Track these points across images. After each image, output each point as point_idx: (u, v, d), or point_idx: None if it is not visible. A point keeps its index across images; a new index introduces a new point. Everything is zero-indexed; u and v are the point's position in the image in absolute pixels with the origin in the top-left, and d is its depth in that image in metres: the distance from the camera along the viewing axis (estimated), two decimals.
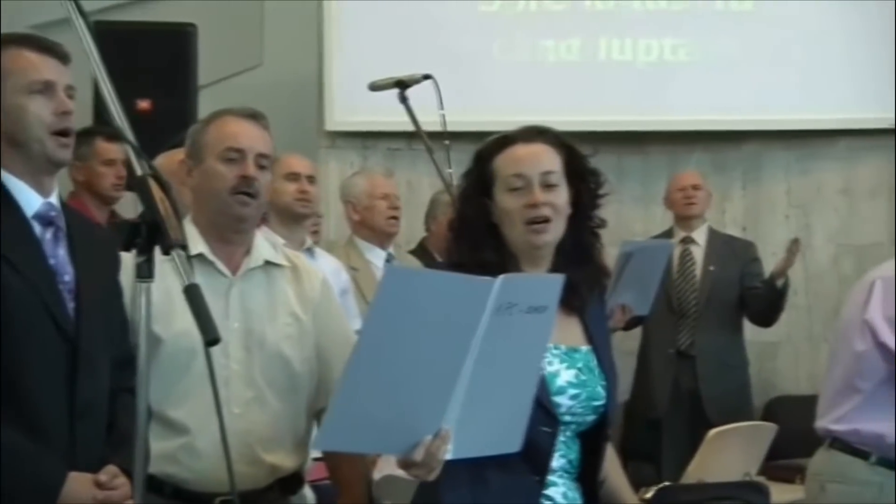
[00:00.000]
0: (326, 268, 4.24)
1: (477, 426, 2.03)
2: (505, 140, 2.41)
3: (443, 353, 1.95)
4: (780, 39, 6.37)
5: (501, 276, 1.95)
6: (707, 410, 5.43)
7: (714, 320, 5.61)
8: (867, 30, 6.29)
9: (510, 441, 2.08)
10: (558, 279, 2.09)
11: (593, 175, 2.42)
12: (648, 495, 3.68)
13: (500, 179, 2.36)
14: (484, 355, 1.97)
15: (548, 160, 2.36)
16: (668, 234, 5.87)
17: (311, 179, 4.33)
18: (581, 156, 2.42)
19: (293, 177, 4.28)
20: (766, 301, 5.50)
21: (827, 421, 3.14)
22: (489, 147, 2.43)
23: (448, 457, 2.02)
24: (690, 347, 5.62)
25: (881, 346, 3.06)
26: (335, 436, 1.94)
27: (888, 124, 6.27)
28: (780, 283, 5.41)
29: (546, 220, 2.32)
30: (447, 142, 4.00)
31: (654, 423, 5.66)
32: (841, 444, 3.09)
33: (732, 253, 5.73)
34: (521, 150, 2.37)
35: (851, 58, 6.28)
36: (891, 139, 6.21)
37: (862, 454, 3.05)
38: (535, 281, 2.15)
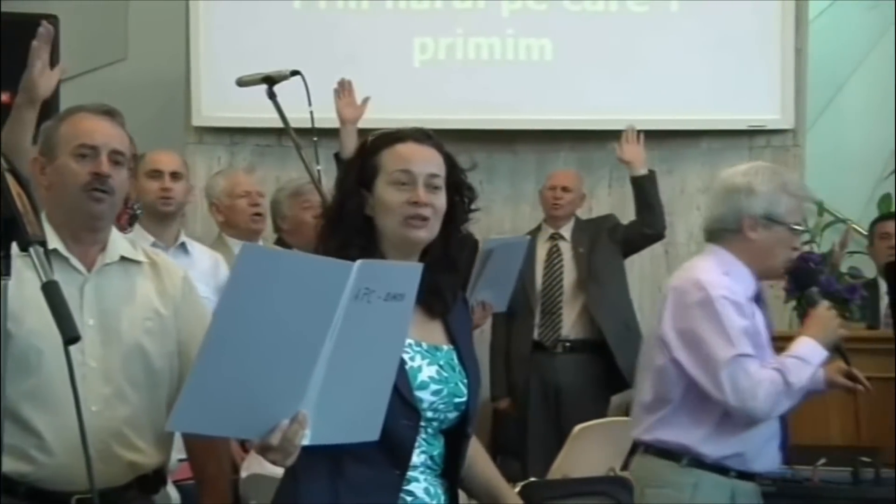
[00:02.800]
0: (203, 263, 4.21)
1: (335, 412, 2.02)
2: (395, 136, 2.41)
3: (300, 335, 1.93)
4: (644, 41, 6.49)
5: (359, 261, 1.95)
6: (570, 405, 5.49)
7: (585, 316, 5.67)
8: (729, 33, 6.45)
9: (369, 429, 2.07)
10: (417, 267, 2.09)
11: (469, 189, 2.44)
12: (515, 491, 3.72)
13: (385, 173, 2.35)
14: (342, 341, 1.96)
15: (435, 164, 2.38)
16: (536, 230, 5.92)
17: (175, 176, 4.28)
18: (458, 166, 2.44)
19: (156, 174, 4.23)
20: (637, 200, 5.57)
21: (638, 431, 3.18)
22: (376, 141, 2.42)
23: (305, 442, 2.01)
24: (557, 344, 5.68)
25: (675, 362, 3.06)
26: (188, 416, 1.91)
27: (745, 125, 6.45)
28: (637, 170, 5.49)
29: (424, 219, 2.32)
30: (315, 138, 3.98)
31: (520, 419, 5.70)
32: (654, 449, 3.13)
33: (595, 228, 5.83)
34: (411, 148, 2.38)
35: (713, 60, 6.42)
36: (747, 140, 6.39)
37: (674, 457, 3.08)
38: (394, 268, 2.15)
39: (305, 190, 5.04)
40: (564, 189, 5.86)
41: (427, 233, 2.34)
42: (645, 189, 5.50)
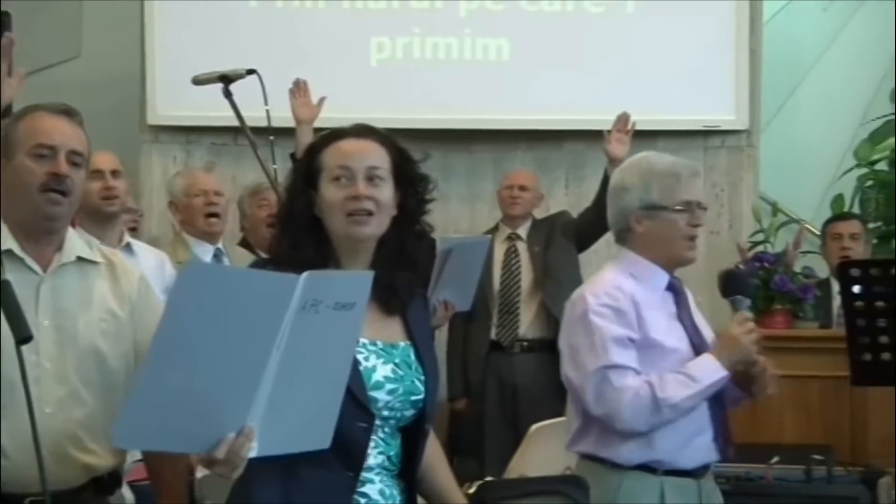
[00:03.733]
0: (149, 262, 4.16)
1: (283, 424, 2.01)
2: (335, 134, 2.41)
3: (245, 350, 1.92)
4: (600, 41, 6.52)
5: (305, 273, 1.94)
6: (527, 405, 5.50)
7: (542, 315, 5.68)
8: (685, 34, 6.49)
9: (319, 438, 2.06)
10: (367, 276, 2.08)
11: (422, 180, 2.43)
12: (471, 491, 3.72)
13: (326, 171, 2.35)
14: (290, 352, 1.95)
15: (375, 156, 2.37)
16: (493, 230, 5.93)
17: (115, 174, 4.21)
18: (411, 160, 2.43)
19: (97, 174, 4.16)
20: (602, 195, 5.51)
21: (566, 442, 3.22)
22: (319, 141, 2.43)
23: (252, 454, 2.00)
24: (514, 343, 5.69)
25: (566, 376, 3.09)
26: (131, 433, 1.90)
27: (700, 126, 6.49)
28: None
29: (368, 214, 2.31)
30: (272, 137, 3.98)
31: (477, 419, 5.71)
32: (585, 454, 3.16)
33: (549, 225, 5.83)
34: (349, 144, 2.37)
35: (668, 61, 6.46)
36: (702, 140, 6.44)
37: (600, 460, 3.11)
38: (342, 278, 2.14)
39: (262, 188, 5.02)
40: (522, 188, 5.87)
41: (372, 228, 2.33)
42: None
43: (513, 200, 5.85)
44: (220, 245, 4.89)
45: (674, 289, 3.10)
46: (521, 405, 5.57)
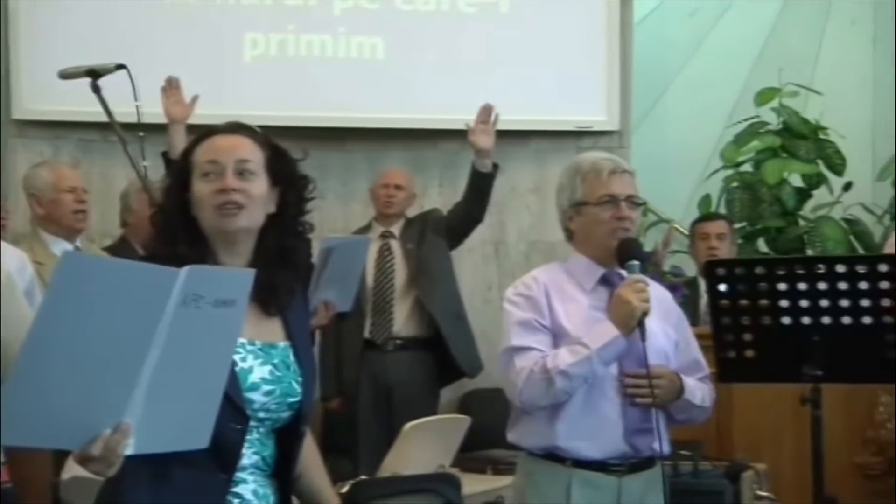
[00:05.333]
0: (11, 263, 4.05)
1: (161, 421, 1.98)
2: (207, 133, 2.40)
3: (124, 343, 1.89)
4: (475, 41, 6.56)
5: (187, 267, 1.91)
6: (401, 403, 5.51)
7: (416, 312, 5.70)
8: (557, 35, 6.56)
9: (197, 437, 2.04)
10: (249, 273, 2.06)
11: (301, 179, 2.41)
12: (344, 490, 3.71)
13: (197, 167, 2.34)
14: (169, 348, 1.92)
15: (246, 150, 2.35)
16: (367, 228, 5.93)
17: None
18: (289, 159, 2.41)
19: None
20: (472, 189, 5.57)
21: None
22: (192, 141, 2.41)
23: (129, 452, 1.97)
24: (388, 342, 5.69)
25: None
26: (6, 429, 1.86)
27: (573, 126, 6.58)
28: (486, 165, 5.45)
29: (238, 206, 2.29)
30: (142, 134, 3.91)
31: (350, 418, 5.70)
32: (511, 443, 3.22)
33: (421, 223, 5.85)
34: (219, 140, 2.36)
35: (541, 61, 6.53)
36: (574, 141, 6.52)
37: (521, 448, 3.17)
38: (224, 274, 2.11)
39: (153, 185, 4.94)
40: (396, 187, 5.87)
41: (242, 220, 2.31)
42: (488, 183, 5.54)
43: (387, 199, 5.85)
44: (78, 243, 4.80)
45: (607, 281, 3.15)
46: (395, 403, 5.57)
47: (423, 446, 4.17)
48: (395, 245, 5.82)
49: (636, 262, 3.09)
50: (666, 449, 3.11)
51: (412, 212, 6.00)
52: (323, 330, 5.69)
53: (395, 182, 5.89)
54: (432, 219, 5.84)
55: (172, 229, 2.33)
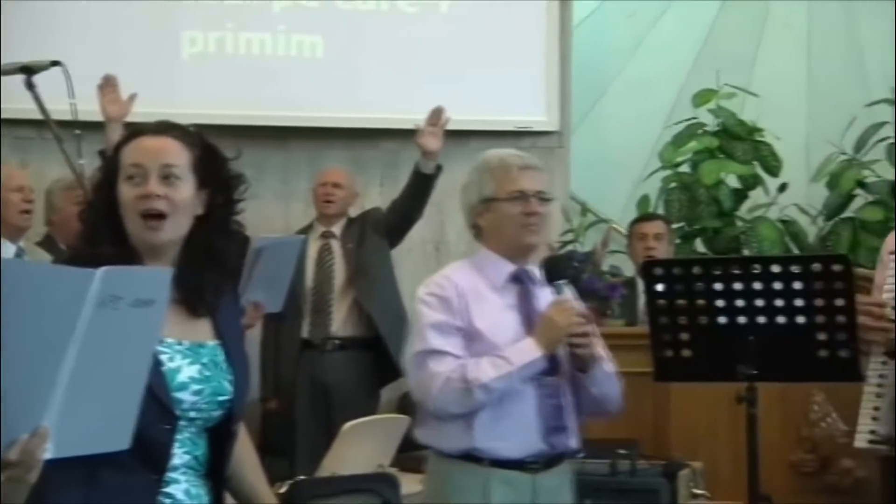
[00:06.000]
0: None
1: (81, 424, 1.95)
2: (135, 132, 2.36)
3: (40, 348, 1.86)
4: (415, 41, 6.56)
5: (103, 268, 1.89)
6: (340, 403, 5.50)
7: (355, 312, 5.69)
8: (497, 36, 6.58)
9: (118, 439, 2.01)
10: (166, 273, 2.04)
11: (231, 180, 2.38)
12: (282, 490, 3.70)
13: (122, 169, 2.31)
14: (87, 350, 1.90)
15: (172, 154, 2.31)
16: (308, 228, 5.91)
17: None
18: (219, 159, 2.38)
19: None
20: (413, 188, 5.56)
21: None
22: (121, 139, 2.38)
23: (48, 455, 1.94)
24: (326, 342, 5.68)
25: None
26: None
27: (512, 127, 6.60)
28: (430, 167, 5.45)
29: (160, 215, 2.26)
30: (78, 132, 3.87)
31: (288, 418, 5.68)
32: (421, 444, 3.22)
33: (362, 222, 5.85)
34: (145, 142, 2.32)
35: (481, 61, 6.54)
36: (514, 141, 6.54)
37: (430, 448, 3.16)
38: (142, 274, 2.09)
39: (74, 185, 4.89)
40: (335, 185, 5.86)
41: (166, 233, 2.28)
42: (430, 184, 5.54)
43: (327, 198, 5.84)
44: (21, 243, 4.75)
45: (519, 279, 3.16)
46: (334, 404, 5.56)
47: (361, 446, 4.17)
48: (336, 244, 5.80)
49: (564, 284, 3.12)
50: (576, 444, 3.16)
51: (354, 211, 5.99)
52: (263, 330, 5.68)
53: (333, 180, 5.87)
54: (372, 218, 5.83)
55: (98, 228, 2.31)
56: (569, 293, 3.14)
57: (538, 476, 3.10)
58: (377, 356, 5.64)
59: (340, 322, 5.69)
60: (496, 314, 3.10)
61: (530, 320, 3.13)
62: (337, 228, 5.85)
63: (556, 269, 3.14)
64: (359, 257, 5.72)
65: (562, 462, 3.16)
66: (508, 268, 3.15)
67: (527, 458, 3.09)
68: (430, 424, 3.13)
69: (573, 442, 3.15)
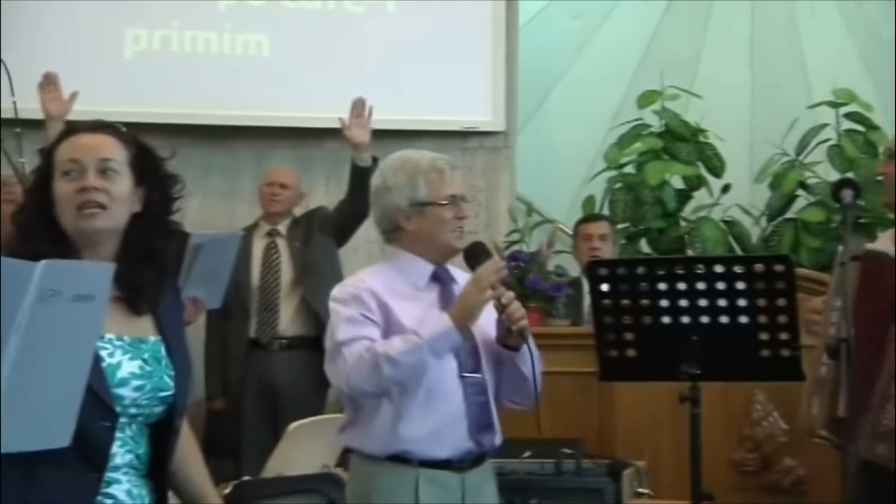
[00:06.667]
0: None
1: (21, 420, 1.93)
2: (69, 130, 2.37)
3: None
4: (361, 40, 6.55)
5: (43, 262, 1.87)
6: (288, 403, 5.48)
7: (302, 311, 5.67)
8: (443, 36, 6.59)
9: (58, 436, 1.99)
10: (108, 268, 2.03)
11: (168, 178, 2.39)
12: (227, 491, 3.68)
13: (58, 166, 2.31)
14: (27, 344, 1.88)
15: (108, 149, 2.32)
16: (254, 227, 5.89)
17: None
18: (155, 157, 2.39)
19: None
20: (353, 184, 5.50)
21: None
22: (56, 139, 2.38)
23: None
24: (273, 341, 5.66)
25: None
26: None
27: (459, 127, 6.61)
28: (365, 159, 5.38)
29: (100, 206, 2.27)
30: (18, 130, 3.84)
31: (235, 418, 5.65)
32: (346, 447, 3.20)
33: (308, 221, 5.84)
34: (82, 139, 2.33)
35: (428, 62, 6.55)
36: (461, 141, 6.55)
37: (356, 451, 3.14)
38: (82, 268, 2.07)
39: (10, 182, 4.83)
40: (282, 186, 5.85)
41: (104, 221, 2.28)
42: (368, 177, 5.51)
43: (273, 198, 5.83)
44: None
45: (441, 280, 3.15)
46: (282, 403, 5.54)
47: (307, 446, 4.16)
48: (282, 243, 5.79)
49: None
50: (500, 441, 3.15)
51: (300, 211, 5.98)
52: (209, 329, 5.65)
53: (280, 181, 5.86)
54: (319, 217, 5.82)
55: (34, 228, 2.29)
56: None
57: (466, 475, 3.10)
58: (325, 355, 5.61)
59: (288, 321, 5.68)
60: (421, 312, 3.08)
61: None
62: (283, 227, 5.84)
63: (479, 254, 3.13)
64: (305, 256, 5.70)
65: (485, 460, 3.16)
66: (429, 268, 3.14)
67: (455, 458, 3.09)
68: (355, 426, 3.10)
69: (498, 439, 3.15)
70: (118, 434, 2.25)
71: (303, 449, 4.13)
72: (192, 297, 4.78)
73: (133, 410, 2.27)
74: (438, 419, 3.05)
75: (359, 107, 5.37)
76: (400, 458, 3.05)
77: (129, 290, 2.28)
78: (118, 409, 2.24)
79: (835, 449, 3.32)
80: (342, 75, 6.44)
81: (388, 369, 2.95)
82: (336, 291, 3.13)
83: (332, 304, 3.11)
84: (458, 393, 3.08)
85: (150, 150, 2.39)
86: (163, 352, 2.35)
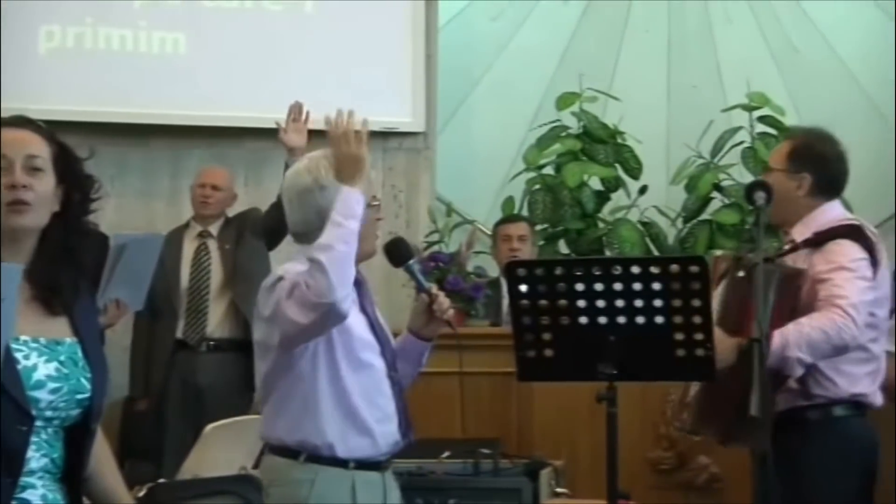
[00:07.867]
0: None
1: None
2: None
3: None
4: (280, 40, 6.52)
5: None
6: (212, 405, 5.44)
7: (231, 314, 5.63)
8: (363, 36, 6.59)
9: None
10: (16, 268, 2.00)
11: (87, 179, 2.36)
12: (141, 494, 3.64)
13: None
14: None
15: (34, 146, 2.28)
16: (184, 227, 5.85)
17: None
18: (74, 157, 2.36)
19: None
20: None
21: (261, 432, 3.21)
22: None
23: None
24: (201, 343, 5.61)
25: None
26: None
27: (379, 127, 6.59)
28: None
29: (26, 204, 2.23)
30: None
31: (157, 419, 5.60)
32: (276, 448, 3.14)
33: (239, 223, 5.83)
34: (7, 134, 2.28)
35: (347, 61, 6.54)
36: (381, 142, 6.55)
37: (292, 454, 3.10)
38: None
39: None
40: (213, 187, 5.84)
41: (30, 219, 2.25)
42: None
43: (204, 199, 5.81)
44: None
45: (357, 282, 3.13)
46: (206, 405, 5.50)
47: (224, 448, 4.12)
48: (213, 245, 5.77)
49: (412, 262, 3.20)
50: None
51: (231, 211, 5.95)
52: (135, 330, 5.60)
53: (212, 182, 5.85)
54: (250, 219, 5.80)
55: None
56: (418, 271, 3.20)
57: (385, 474, 3.13)
58: (252, 358, 5.58)
59: (216, 323, 5.66)
60: (351, 316, 3.06)
61: (375, 320, 3.16)
62: (214, 228, 5.81)
63: (402, 251, 3.18)
64: (236, 258, 5.68)
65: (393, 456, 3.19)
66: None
67: (381, 456, 3.10)
68: (294, 418, 3.06)
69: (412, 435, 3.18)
70: (33, 438, 2.21)
71: (220, 450, 4.09)
72: (115, 299, 4.72)
73: (49, 413, 2.24)
74: (376, 416, 3.07)
75: (296, 111, 5.34)
76: (339, 462, 3.04)
77: (45, 289, 2.25)
78: (34, 412, 2.20)
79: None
80: (260, 74, 6.41)
81: (323, 255, 2.89)
82: (268, 281, 3.06)
83: (282, 283, 2.99)
84: (389, 390, 3.10)
85: (69, 148, 2.36)
86: (79, 353, 2.32)
